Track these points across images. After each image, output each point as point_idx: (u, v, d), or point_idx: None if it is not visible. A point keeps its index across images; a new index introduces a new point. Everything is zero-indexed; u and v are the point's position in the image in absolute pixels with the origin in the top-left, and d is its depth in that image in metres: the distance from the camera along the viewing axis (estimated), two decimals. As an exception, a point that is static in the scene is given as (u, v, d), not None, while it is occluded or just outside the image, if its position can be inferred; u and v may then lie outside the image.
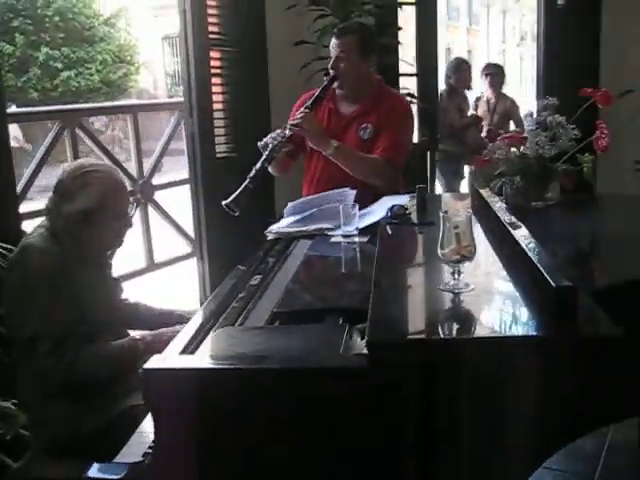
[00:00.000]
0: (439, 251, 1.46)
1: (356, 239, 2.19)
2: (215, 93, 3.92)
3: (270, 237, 2.38)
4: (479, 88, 5.93)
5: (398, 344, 1.20)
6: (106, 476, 1.33)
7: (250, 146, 4.04)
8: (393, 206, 2.22)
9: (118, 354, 2.04)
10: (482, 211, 2.15)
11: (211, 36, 3.84)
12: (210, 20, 3.83)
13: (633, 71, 4.85)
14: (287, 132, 2.79)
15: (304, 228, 2.34)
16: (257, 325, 1.52)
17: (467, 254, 1.44)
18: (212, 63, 3.88)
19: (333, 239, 2.22)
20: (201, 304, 4.18)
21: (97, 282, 2.12)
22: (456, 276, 1.45)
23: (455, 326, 1.31)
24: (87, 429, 1.97)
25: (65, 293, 1.98)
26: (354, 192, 2.48)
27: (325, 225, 2.33)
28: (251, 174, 2.74)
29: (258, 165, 2.76)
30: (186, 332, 1.53)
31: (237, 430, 1.22)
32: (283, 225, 2.43)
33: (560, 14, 5.22)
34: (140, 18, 15.10)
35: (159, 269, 3.88)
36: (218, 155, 3.97)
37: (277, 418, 1.20)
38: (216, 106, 3.94)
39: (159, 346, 2.00)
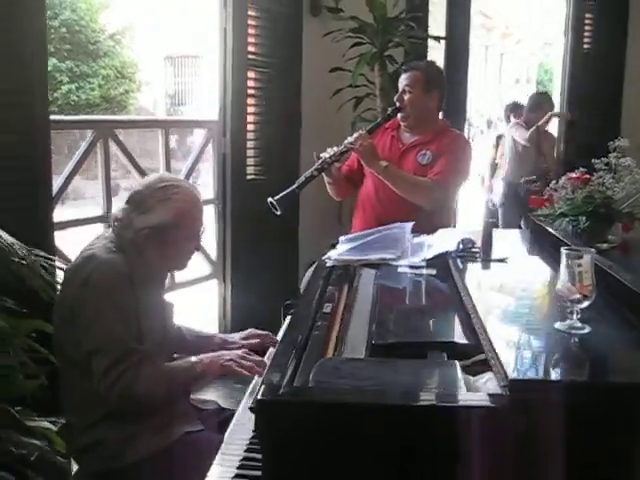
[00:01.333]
0: (562, 289, 1.39)
1: (424, 271, 2.12)
2: (249, 114, 3.87)
3: (329, 264, 2.30)
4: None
5: (541, 385, 1.13)
6: None
7: (279, 169, 4.02)
8: (463, 239, 2.16)
9: (176, 375, 1.95)
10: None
11: (250, 56, 3.80)
12: (249, 40, 3.79)
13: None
14: (343, 149, 2.92)
15: (365, 257, 2.27)
16: (356, 357, 1.43)
17: (588, 294, 1.38)
18: (248, 83, 3.83)
19: (400, 269, 2.14)
20: (219, 326, 4.11)
21: (155, 302, 2.03)
22: (574, 316, 1.39)
23: (591, 369, 1.24)
24: (139, 455, 1.88)
25: (128, 309, 1.89)
26: (411, 224, 2.44)
27: (387, 255, 2.26)
28: (300, 180, 2.88)
29: (308, 173, 2.90)
30: (278, 361, 1.44)
31: (356, 465, 1.14)
32: (341, 252, 2.35)
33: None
34: (143, 36, 15.10)
35: (179, 289, 3.77)
36: (248, 177, 3.91)
37: (400, 454, 1.12)
38: (249, 127, 3.89)
39: (216, 369, 1.95)
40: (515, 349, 1.30)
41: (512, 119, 5.34)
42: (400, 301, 1.88)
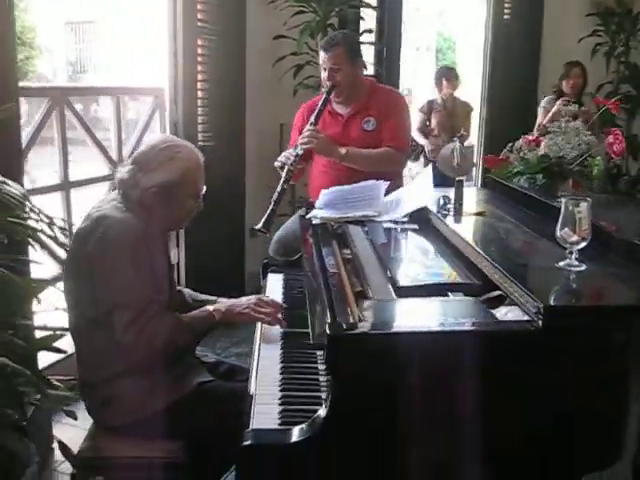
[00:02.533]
0: (559, 233, 1.61)
1: (407, 225, 2.30)
2: (199, 81, 3.93)
3: (315, 222, 2.46)
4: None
5: (573, 311, 1.35)
6: (274, 441, 1.36)
7: (227, 134, 4.10)
8: (443, 196, 2.36)
9: (196, 323, 2.04)
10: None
11: (199, 24, 3.84)
12: (199, 7, 3.83)
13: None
14: (299, 151, 2.98)
15: (349, 215, 2.44)
16: (387, 298, 1.60)
17: (585, 236, 1.60)
18: (198, 51, 3.88)
19: (385, 225, 2.32)
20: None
21: (163, 261, 2.12)
22: (572, 256, 1.61)
23: (603, 295, 1.47)
24: (157, 407, 1.97)
25: (145, 265, 1.97)
26: (386, 184, 2.61)
27: (369, 212, 2.44)
28: (274, 197, 2.92)
29: (279, 188, 2.94)
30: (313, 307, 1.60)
31: (429, 392, 1.32)
32: (323, 212, 2.50)
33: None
34: (41, 1, 14.46)
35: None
36: (199, 144, 3.97)
37: (464, 378, 1.31)
38: (199, 94, 3.95)
39: (233, 317, 2.07)
40: (533, 283, 1.51)
41: (444, 82, 5.59)
42: (401, 251, 2.06)
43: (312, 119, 3.08)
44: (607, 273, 1.60)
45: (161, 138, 2.09)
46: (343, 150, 3.03)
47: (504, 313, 1.49)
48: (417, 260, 1.90)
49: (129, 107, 7.59)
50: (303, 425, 1.38)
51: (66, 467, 2.44)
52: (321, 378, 1.73)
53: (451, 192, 2.36)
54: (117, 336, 1.93)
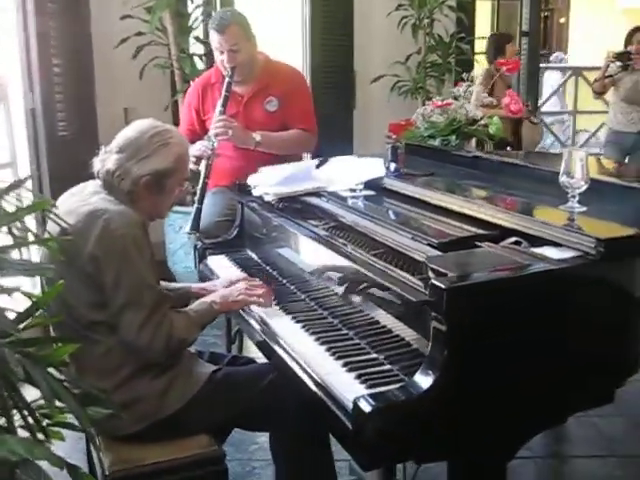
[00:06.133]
0: (564, 179, 1.83)
1: (364, 192, 2.40)
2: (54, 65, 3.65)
3: (268, 198, 2.47)
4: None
5: (622, 240, 1.59)
6: (379, 404, 1.41)
7: (80, 123, 3.85)
8: (391, 163, 2.49)
9: (202, 317, 2.00)
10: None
11: (49, 4, 3.57)
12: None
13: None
14: (215, 144, 2.93)
15: (303, 188, 2.47)
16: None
17: (587, 180, 1.83)
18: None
19: (343, 194, 2.39)
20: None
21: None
22: (575, 199, 1.84)
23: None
24: (176, 405, 1.92)
25: (150, 259, 1.88)
26: (315, 162, 2.68)
27: (319, 184, 2.50)
28: (197, 196, 2.89)
29: (200, 185, 2.90)
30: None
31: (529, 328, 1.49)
32: (272, 187, 2.50)
33: None
34: None
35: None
36: (60, 134, 3.71)
37: (557, 312, 1.51)
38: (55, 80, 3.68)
39: (230, 306, 2.05)
40: (564, 224, 1.71)
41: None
42: (394, 215, 2.16)
43: (219, 107, 3.00)
44: (608, 211, 1.84)
45: (148, 123, 1.97)
46: (258, 137, 3.02)
47: (553, 253, 1.65)
48: (419, 220, 2.01)
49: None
50: (417, 377, 1.45)
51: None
52: (358, 340, 1.81)
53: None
54: (130, 336, 1.83)
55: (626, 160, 5.43)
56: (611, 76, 5.39)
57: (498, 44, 5.53)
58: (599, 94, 5.72)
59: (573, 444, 2.82)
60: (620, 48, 5.51)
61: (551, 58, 11.60)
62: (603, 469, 2.64)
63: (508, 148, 4.69)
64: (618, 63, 5.32)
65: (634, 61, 5.19)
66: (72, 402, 1.12)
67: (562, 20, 13.47)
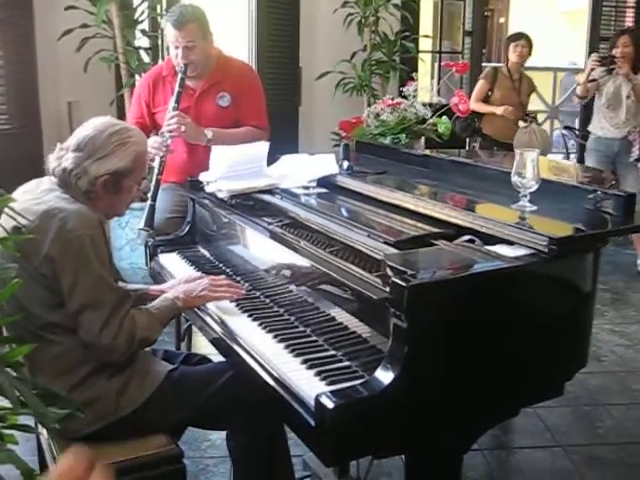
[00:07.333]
0: (516, 179, 1.88)
1: (317, 190, 2.42)
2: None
3: (222, 195, 2.46)
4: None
5: (574, 239, 1.65)
6: (341, 400, 1.43)
7: (20, 113, 3.75)
8: (344, 161, 2.51)
9: (164, 314, 1.97)
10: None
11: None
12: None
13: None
14: (168, 141, 2.92)
15: (255, 185, 2.47)
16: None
17: (537, 182, 1.89)
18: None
19: (296, 191, 2.40)
20: None
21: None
22: (526, 198, 1.89)
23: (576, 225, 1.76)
24: (134, 403, 1.90)
25: (107, 257, 1.85)
26: (267, 144, 2.66)
27: (272, 181, 2.50)
28: (150, 193, 2.87)
29: (154, 181, 2.88)
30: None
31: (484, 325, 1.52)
32: (225, 184, 2.50)
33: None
34: None
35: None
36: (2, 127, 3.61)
37: (512, 307, 1.56)
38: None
39: (193, 301, 2.03)
40: (517, 223, 1.76)
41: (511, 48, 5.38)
42: (348, 212, 2.18)
43: (172, 103, 2.97)
44: (557, 209, 1.90)
45: (106, 121, 1.93)
46: (210, 133, 3.00)
47: (506, 250, 1.70)
48: (373, 218, 2.04)
49: None
50: (378, 373, 1.47)
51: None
52: (315, 337, 1.82)
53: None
54: (91, 337, 1.80)
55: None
56: (595, 80, 5.19)
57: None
58: (582, 98, 5.49)
59: (520, 435, 2.91)
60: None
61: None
62: (549, 459, 2.73)
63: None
64: (602, 67, 5.15)
65: (618, 65, 5.04)
66: (37, 402, 1.09)
67: (502, 20, 13.72)
